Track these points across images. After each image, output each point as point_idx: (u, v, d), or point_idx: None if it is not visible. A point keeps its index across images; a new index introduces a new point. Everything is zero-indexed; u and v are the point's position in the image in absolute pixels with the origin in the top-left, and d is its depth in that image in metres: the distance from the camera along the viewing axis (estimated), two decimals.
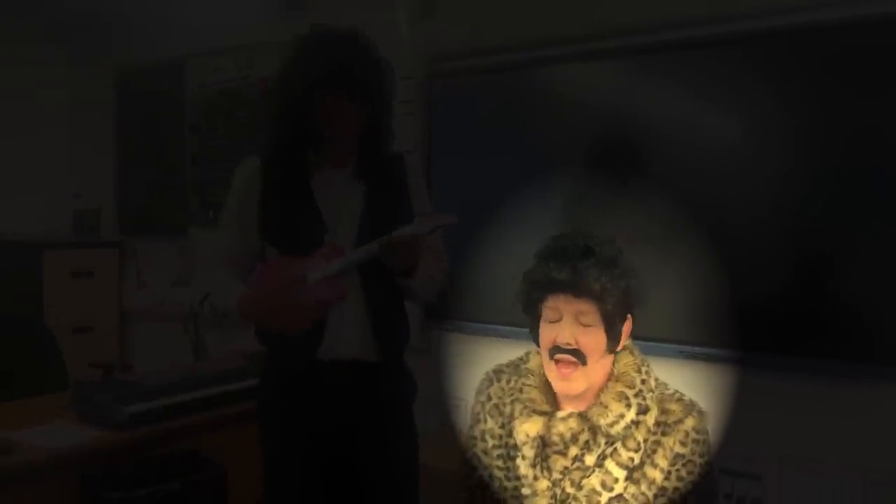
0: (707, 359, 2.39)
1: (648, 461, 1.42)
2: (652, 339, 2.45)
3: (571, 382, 1.43)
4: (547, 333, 1.45)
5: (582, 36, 2.71)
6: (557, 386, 1.45)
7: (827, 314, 2.28)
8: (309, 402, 1.91)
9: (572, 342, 1.41)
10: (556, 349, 1.43)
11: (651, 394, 1.45)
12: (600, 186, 2.64)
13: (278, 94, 1.92)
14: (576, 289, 1.40)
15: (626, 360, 1.48)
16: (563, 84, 2.75)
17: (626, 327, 1.46)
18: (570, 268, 1.40)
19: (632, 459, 1.42)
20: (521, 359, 1.60)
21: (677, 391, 1.49)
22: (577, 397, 1.46)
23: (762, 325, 2.37)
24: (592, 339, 1.41)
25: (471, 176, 2.91)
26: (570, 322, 1.42)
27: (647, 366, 1.50)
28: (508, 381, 1.57)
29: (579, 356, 1.41)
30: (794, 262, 2.34)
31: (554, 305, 1.43)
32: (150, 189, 4.16)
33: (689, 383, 2.16)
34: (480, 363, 1.64)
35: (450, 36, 3.02)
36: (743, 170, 2.41)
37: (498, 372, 1.61)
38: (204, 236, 3.88)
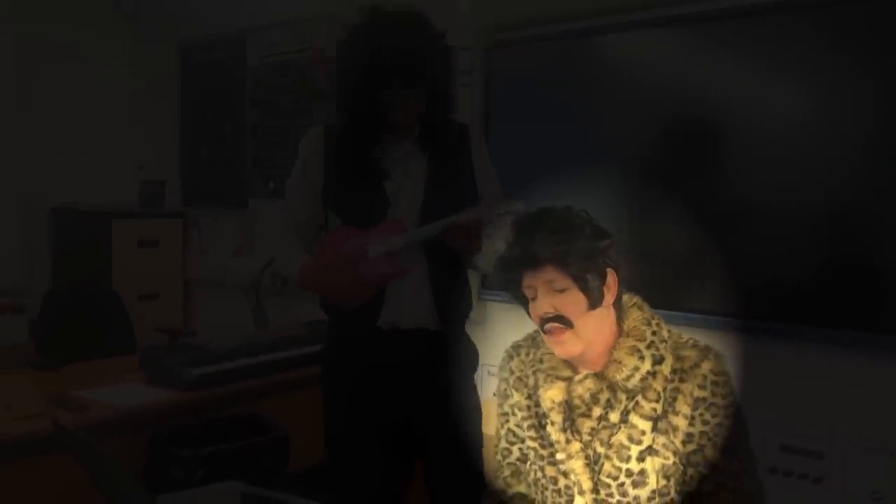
0: (771, 333, 2.35)
1: (670, 409, 1.44)
2: (708, 313, 2.43)
3: (565, 345, 1.46)
4: (533, 310, 1.49)
5: (643, 3, 2.66)
6: (556, 352, 1.49)
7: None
8: (371, 370, 1.94)
9: (551, 310, 1.45)
10: (542, 321, 1.47)
11: (664, 344, 1.48)
12: (661, 159, 2.61)
13: (337, 81, 1.95)
14: (533, 260, 1.44)
15: (635, 316, 1.52)
16: (623, 54, 2.71)
17: (611, 283, 1.48)
18: (522, 243, 1.45)
19: (654, 410, 1.44)
20: (537, 332, 1.61)
21: (692, 338, 1.51)
22: (593, 359, 1.49)
23: (830, 299, 2.31)
24: (570, 302, 1.45)
25: (529, 147, 2.89)
26: (544, 293, 1.46)
27: (658, 319, 1.52)
28: (528, 354, 1.61)
29: (563, 321, 1.45)
30: (856, 235, 2.27)
31: (527, 283, 1.47)
32: (212, 161, 4.25)
33: (750, 359, 2.16)
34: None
35: (510, 4, 2.98)
36: (810, 141, 2.34)
37: (516, 347, 1.65)
38: (263, 208, 3.96)
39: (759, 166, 2.40)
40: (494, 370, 2.98)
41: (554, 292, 1.45)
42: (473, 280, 2.09)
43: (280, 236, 2.04)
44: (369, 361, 1.94)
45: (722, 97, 2.48)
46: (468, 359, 2.05)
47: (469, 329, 2.09)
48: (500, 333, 2.98)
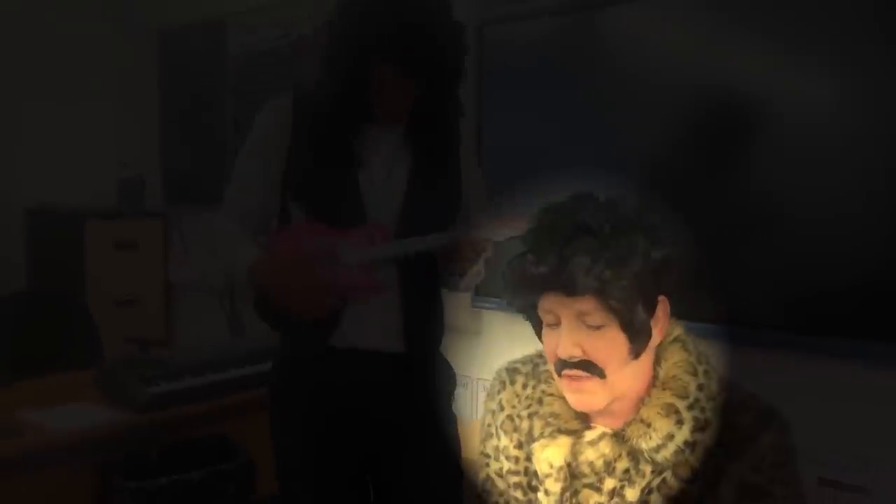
0: (808, 349, 2.05)
1: (709, 495, 1.07)
2: (741, 324, 2.14)
3: (587, 395, 1.09)
4: (548, 342, 1.11)
5: None
6: (572, 401, 1.11)
7: None
8: (323, 395, 1.66)
9: (577, 352, 1.07)
10: (560, 363, 1.09)
11: (711, 402, 1.08)
12: (671, 152, 2.32)
13: (324, 52, 1.64)
14: (565, 285, 1.04)
15: (677, 358, 1.12)
16: (628, 31, 2.42)
17: (661, 315, 1.10)
18: (552, 257, 1.04)
19: (685, 493, 1.08)
20: (539, 356, 1.24)
21: (750, 395, 1.11)
22: (613, 412, 1.12)
23: (876, 311, 1.98)
24: (605, 344, 1.07)
25: (524, 135, 2.60)
26: (570, 327, 1.07)
27: (707, 363, 1.12)
28: (525, 387, 1.24)
29: (592, 368, 1.07)
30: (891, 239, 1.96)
31: (547, 307, 1.09)
32: (196, 157, 3.99)
33: (785, 377, 1.87)
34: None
35: None
36: (846, 133, 2.04)
37: (512, 372, 1.28)
38: None
39: (786, 161, 2.09)
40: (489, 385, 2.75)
41: (586, 328, 1.07)
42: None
43: (228, 227, 1.68)
44: (321, 385, 1.65)
45: (742, 81, 2.16)
46: (440, 383, 1.76)
47: (463, 340, 1.83)
48: (496, 345, 2.72)
